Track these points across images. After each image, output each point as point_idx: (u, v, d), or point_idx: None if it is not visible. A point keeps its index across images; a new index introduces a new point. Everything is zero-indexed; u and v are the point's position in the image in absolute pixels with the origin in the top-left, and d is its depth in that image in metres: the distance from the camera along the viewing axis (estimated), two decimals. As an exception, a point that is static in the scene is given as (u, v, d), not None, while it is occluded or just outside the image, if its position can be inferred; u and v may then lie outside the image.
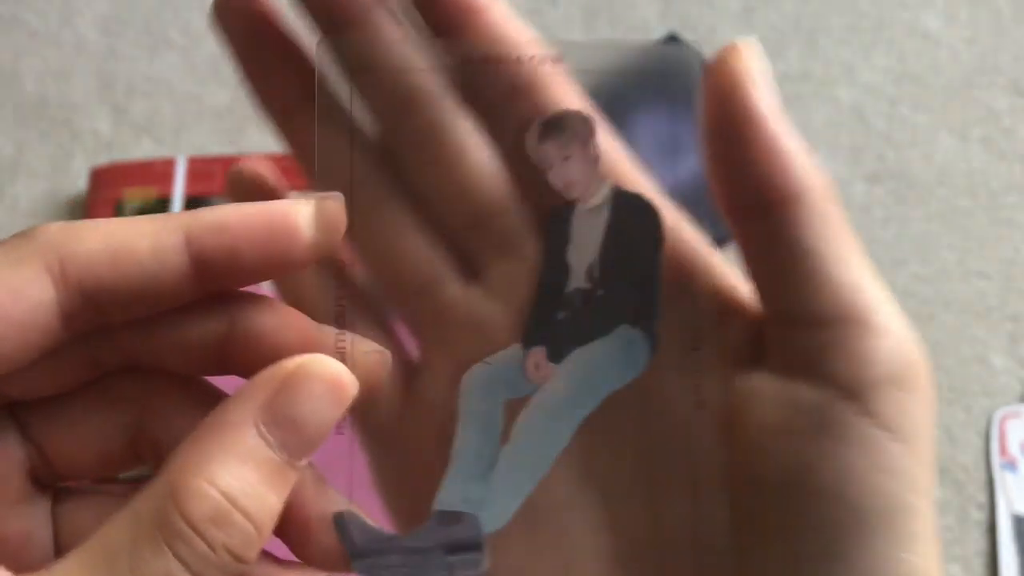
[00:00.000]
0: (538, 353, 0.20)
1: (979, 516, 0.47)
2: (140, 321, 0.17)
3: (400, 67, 0.21)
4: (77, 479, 0.18)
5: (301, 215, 0.17)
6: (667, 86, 0.21)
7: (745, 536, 0.19)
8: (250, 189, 0.22)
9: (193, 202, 0.52)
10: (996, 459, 0.48)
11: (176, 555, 0.13)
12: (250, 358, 0.17)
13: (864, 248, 0.20)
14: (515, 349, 0.20)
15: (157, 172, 0.54)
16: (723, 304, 0.20)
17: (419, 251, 0.22)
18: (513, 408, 0.20)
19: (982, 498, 0.48)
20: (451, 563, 0.19)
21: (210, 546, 0.14)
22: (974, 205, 0.57)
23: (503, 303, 0.22)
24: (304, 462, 0.16)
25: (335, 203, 0.17)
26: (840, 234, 0.19)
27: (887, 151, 0.59)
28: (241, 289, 0.18)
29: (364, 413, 0.22)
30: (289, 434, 0.15)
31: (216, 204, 0.17)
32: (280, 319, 0.18)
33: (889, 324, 0.19)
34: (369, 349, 0.18)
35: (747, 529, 0.19)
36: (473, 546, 0.19)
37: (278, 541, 0.18)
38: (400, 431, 0.22)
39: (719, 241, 0.21)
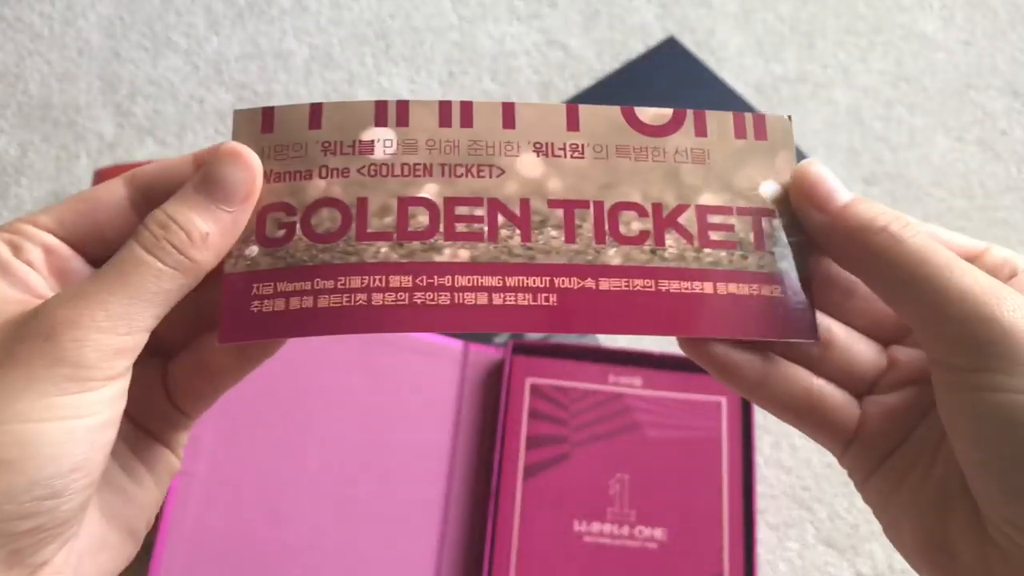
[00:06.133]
0: None
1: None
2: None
3: None
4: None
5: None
6: None
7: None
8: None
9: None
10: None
11: (139, 244, 0.23)
12: None
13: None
14: None
15: (160, 173, 0.54)
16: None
17: None
18: None
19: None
20: None
21: (155, 237, 0.23)
22: (970, 206, 0.57)
23: None
24: (228, 208, 0.25)
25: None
26: None
27: (884, 152, 0.60)
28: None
29: None
30: (212, 187, 0.25)
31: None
32: None
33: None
34: None
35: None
36: None
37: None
38: None
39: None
